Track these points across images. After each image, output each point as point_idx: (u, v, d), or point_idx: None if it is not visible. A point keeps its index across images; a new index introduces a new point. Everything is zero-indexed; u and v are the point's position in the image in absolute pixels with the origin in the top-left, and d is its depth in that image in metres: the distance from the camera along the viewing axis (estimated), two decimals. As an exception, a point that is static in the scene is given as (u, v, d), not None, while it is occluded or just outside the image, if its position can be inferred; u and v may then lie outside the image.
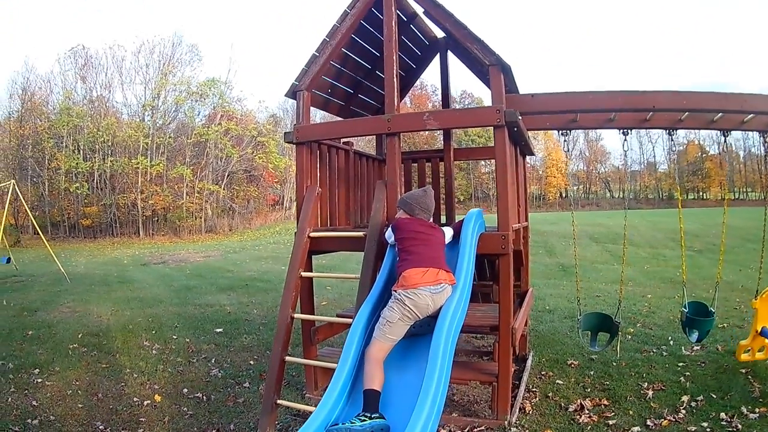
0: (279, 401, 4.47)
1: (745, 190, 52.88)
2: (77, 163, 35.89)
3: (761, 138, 5.93)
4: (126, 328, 8.27)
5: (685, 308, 5.87)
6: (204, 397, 5.36)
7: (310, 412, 4.64)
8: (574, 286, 12.35)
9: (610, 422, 4.75)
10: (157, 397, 5.31)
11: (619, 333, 5.83)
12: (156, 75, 39.29)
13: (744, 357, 5.97)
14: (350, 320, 5.07)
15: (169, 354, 6.89)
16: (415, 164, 7.09)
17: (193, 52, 41.63)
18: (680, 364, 6.32)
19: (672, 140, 5.93)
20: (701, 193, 56.04)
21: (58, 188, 36.13)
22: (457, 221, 4.45)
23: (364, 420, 3.17)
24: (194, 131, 38.80)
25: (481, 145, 39.67)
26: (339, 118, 6.27)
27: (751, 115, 5.41)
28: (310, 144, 5.25)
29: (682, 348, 6.89)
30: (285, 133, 5.32)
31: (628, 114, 5.56)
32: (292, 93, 5.28)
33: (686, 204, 49.67)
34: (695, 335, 5.90)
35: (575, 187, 63.13)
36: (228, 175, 40.15)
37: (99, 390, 5.53)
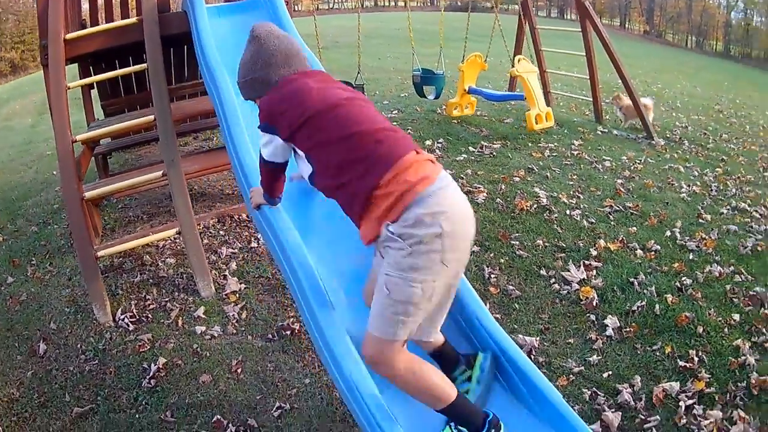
0: (100, 252, 3.56)
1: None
2: None
3: None
4: None
5: (418, 71, 6.48)
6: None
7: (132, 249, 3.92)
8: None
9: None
10: None
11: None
12: None
13: (455, 113, 7.15)
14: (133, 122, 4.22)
15: None
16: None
17: None
18: (405, 119, 7.10)
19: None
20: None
21: None
22: None
23: None
24: None
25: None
26: None
27: None
28: None
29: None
30: None
31: None
32: None
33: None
34: (432, 94, 6.66)
35: None
36: None
37: None
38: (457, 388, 1.84)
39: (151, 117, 3.83)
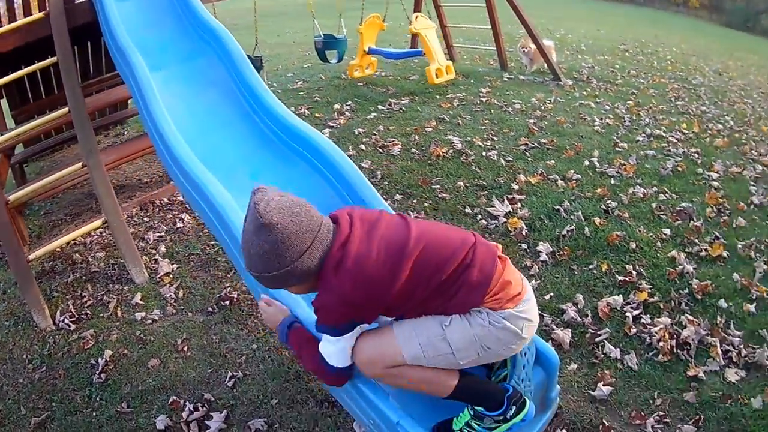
0: (31, 256, 3.40)
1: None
2: None
3: None
4: None
5: (320, 36, 6.46)
6: None
7: (64, 247, 3.85)
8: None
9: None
10: None
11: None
12: None
13: (356, 75, 7.23)
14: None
15: None
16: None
17: None
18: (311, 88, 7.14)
19: None
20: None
21: None
22: None
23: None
24: None
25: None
26: None
27: None
28: None
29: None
30: None
31: None
32: None
33: None
34: (335, 58, 6.67)
35: None
36: None
37: None
38: (494, 378, 1.83)
39: (66, 110, 3.71)
